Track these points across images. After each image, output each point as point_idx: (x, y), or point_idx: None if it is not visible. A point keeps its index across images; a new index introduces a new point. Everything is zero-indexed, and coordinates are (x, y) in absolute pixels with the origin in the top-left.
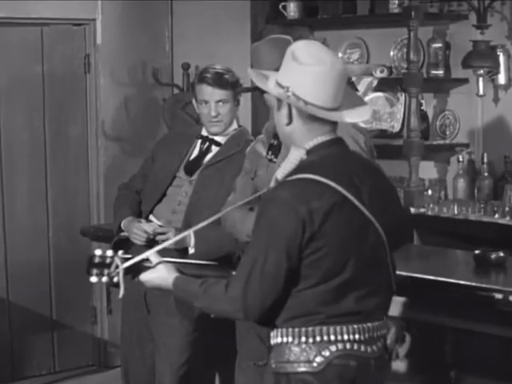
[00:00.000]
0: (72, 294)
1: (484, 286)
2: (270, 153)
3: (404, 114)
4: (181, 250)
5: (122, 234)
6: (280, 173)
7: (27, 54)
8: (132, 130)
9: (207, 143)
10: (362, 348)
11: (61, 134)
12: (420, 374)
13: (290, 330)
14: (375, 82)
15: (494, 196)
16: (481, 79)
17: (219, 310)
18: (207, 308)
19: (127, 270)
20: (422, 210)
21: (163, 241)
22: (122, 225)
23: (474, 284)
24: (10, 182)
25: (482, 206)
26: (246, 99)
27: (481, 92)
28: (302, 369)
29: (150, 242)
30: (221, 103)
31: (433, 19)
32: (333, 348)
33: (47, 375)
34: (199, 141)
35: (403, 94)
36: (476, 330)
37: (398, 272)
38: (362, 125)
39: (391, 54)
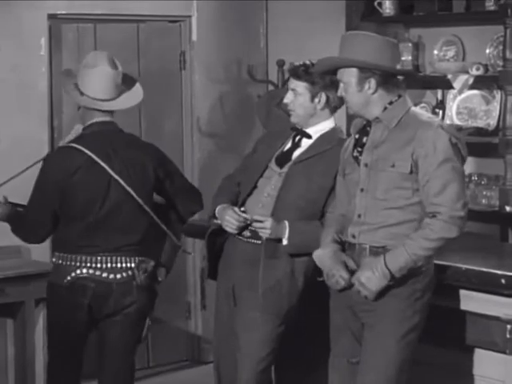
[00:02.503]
0: (166, 289)
1: None
2: (355, 151)
3: (500, 111)
4: (275, 241)
5: (215, 221)
6: (62, 142)
7: (124, 50)
8: (227, 126)
9: (299, 135)
10: (104, 274)
11: (156, 130)
12: None
13: (57, 254)
14: (471, 80)
15: None
16: None
17: (18, 236)
18: (14, 232)
19: None
20: None
21: (258, 229)
22: (216, 211)
23: None
24: None
25: None
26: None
27: None
28: (59, 282)
29: (242, 230)
30: (293, 93)
31: None
32: (78, 271)
33: (141, 370)
34: (293, 133)
35: (499, 92)
36: None
37: (493, 271)
38: (458, 122)
39: (487, 51)
